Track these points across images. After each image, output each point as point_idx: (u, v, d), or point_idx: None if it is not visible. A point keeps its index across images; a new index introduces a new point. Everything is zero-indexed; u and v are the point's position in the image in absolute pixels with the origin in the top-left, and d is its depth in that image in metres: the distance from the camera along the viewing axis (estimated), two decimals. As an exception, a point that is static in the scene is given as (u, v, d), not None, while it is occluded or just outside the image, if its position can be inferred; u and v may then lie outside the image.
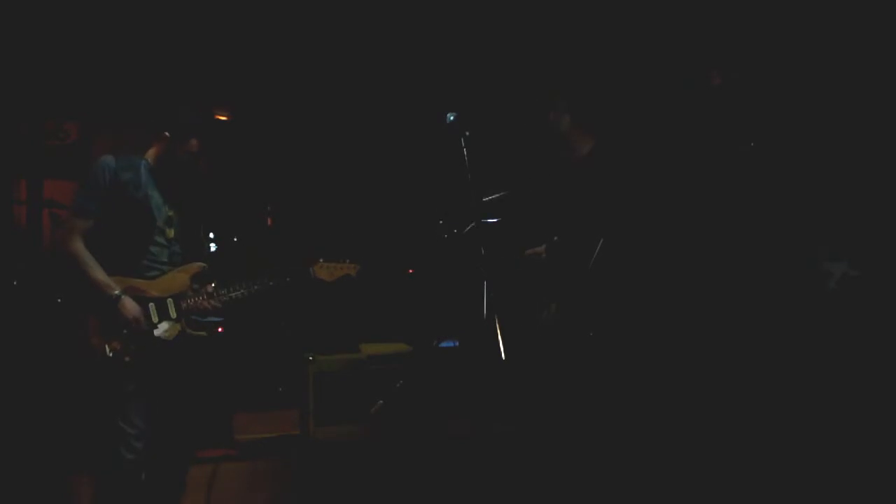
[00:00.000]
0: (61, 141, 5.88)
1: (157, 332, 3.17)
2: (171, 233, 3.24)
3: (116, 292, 3.07)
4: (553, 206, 3.96)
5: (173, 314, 3.20)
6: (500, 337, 3.45)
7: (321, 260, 3.49)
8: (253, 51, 5.82)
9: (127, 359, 3.08)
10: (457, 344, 4.74)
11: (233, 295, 3.30)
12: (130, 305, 3.09)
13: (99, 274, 3.07)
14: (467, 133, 3.67)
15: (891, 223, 3.46)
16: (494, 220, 4.04)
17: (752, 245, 3.78)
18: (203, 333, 3.28)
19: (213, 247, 5.75)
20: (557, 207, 3.92)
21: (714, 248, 3.87)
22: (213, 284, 3.29)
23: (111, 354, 3.06)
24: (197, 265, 3.30)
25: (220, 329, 5.29)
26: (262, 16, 5.53)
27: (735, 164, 3.72)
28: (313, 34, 5.75)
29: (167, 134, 3.20)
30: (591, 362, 3.74)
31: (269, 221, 6.23)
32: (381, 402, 4.35)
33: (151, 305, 3.18)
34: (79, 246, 3.08)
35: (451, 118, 3.65)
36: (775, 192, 3.68)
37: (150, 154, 3.25)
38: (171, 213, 3.25)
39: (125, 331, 3.09)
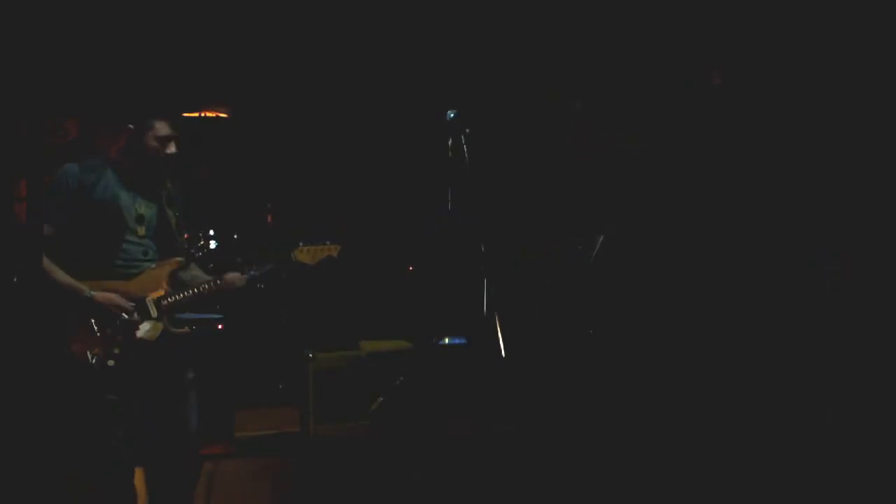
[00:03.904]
0: (61, 139, 5.87)
1: (139, 333, 3.11)
2: (142, 230, 3.18)
3: (87, 293, 3.03)
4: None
5: (154, 313, 3.16)
6: (500, 335, 3.45)
7: (301, 244, 3.46)
8: (252, 48, 5.81)
9: (110, 363, 3.04)
10: (465, 342, 4.72)
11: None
12: (105, 297, 3.05)
13: (63, 277, 3.04)
14: (467, 130, 3.66)
15: (890, 223, 3.45)
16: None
17: (751, 244, 3.78)
18: (186, 330, 3.24)
19: (213, 244, 5.74)
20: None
21: (714, 247, 3.87)
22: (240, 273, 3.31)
23: (94, 360, 3.02)
24: (175, 260, 3.25)
25: (219, 326, 5.29)
26: (262, 14, 5.51)
27: (734, 163, 3.72)
28: (312, 33, 5.74)
29: (130, 127, 3.16)
30: (591, 361, 3.74)
31: (269, 218, 6.22)
32: (381, 398, 4.35)
33: (149, 300, 3.14)
34: None
35: (452, 115, 3.64)
36: (775, 191, 3.68)
37: (114, 151, 3.21)
38: (141, 212, 3.20)
39: (108, 330, 3.05)
